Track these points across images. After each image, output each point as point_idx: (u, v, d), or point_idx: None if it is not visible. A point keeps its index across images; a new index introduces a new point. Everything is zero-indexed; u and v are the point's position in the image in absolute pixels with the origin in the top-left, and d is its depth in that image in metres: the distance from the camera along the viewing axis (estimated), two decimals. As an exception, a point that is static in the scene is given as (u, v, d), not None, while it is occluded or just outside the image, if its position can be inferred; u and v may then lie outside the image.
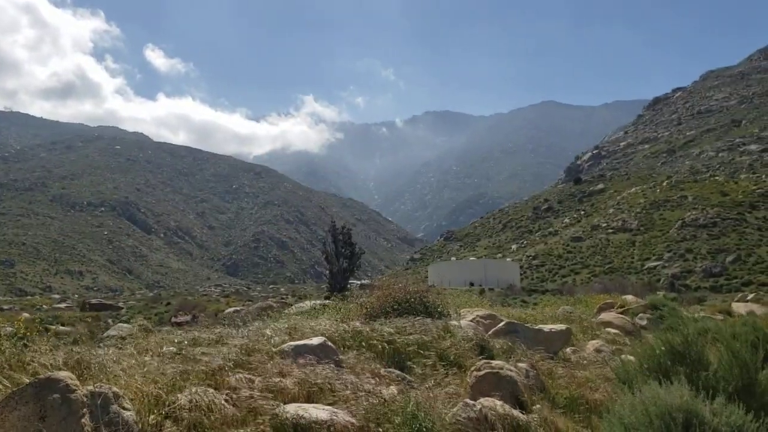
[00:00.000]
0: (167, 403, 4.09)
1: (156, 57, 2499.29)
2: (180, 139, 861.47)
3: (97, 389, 3.63)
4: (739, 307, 20.69)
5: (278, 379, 5.04)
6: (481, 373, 5.91)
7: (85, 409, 3.46)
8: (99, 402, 3.55)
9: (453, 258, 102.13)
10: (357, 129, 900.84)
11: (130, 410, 3.69)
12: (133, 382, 4.23)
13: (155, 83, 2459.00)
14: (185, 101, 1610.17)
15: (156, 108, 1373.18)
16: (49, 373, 3.63)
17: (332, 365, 5.63)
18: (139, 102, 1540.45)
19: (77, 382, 3.58)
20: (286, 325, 7.74)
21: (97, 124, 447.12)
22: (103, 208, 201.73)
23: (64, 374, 3.59)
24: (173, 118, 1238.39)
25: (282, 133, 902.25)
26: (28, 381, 3.56)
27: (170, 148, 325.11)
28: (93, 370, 4.38)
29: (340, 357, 6.25)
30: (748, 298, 30.63)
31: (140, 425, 3.67)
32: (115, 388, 3.76)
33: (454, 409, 4.95)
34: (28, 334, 8.04)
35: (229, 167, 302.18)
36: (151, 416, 3.84)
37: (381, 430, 4.50)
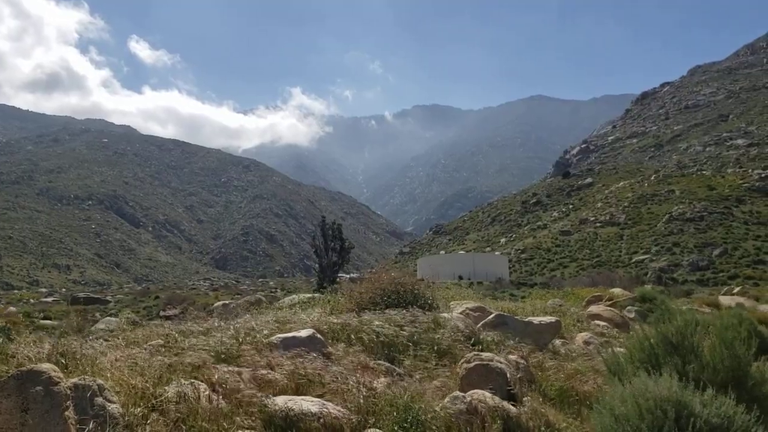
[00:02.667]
0: (154, 395, 4.03)
1: (141, 49, 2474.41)
2: (169, 132, 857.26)
3: (81, 382, 3.57)
4: (725, 300, 20.87)
5: (267, 371, 5.00)
6: (471, 365, 5.88)
7: (68, 402, 3.40)
8: (83, 394, 3.49)
9: (442, 251, 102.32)
10: (346, 122, 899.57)
11: (115, 403, 3.64)
12: (120, 374, 4.18)
13: (141, 75, 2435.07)
14: (172, 94, 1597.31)
15: (143, 101, 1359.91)
16: (32, 365, 3.56)
17: (321, 357, 5.58)
18: (125, 95, 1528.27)
19: (60, 375, 3.52)
20: (275, 318, 7.69)
21: (83, 117, 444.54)
22: (90, 202, 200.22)
23: (47, 366, 3.53)
24: (161, 111, 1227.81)
25: (270, 126, 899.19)
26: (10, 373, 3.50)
27: (158, 141, 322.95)
28: (78, 362, 4.32)
29: (329, 349, 6.21)
30: (735, 291, 30.95)
31: (126, 418, 3.61)
32: (99, 381, 3.70)
33: (444, 401, 4.93)
34: (13, 326, 7.96)
35: (217, 161, 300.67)
36: (137, 409, 3.79)
37: (371, 421, 4.47)
